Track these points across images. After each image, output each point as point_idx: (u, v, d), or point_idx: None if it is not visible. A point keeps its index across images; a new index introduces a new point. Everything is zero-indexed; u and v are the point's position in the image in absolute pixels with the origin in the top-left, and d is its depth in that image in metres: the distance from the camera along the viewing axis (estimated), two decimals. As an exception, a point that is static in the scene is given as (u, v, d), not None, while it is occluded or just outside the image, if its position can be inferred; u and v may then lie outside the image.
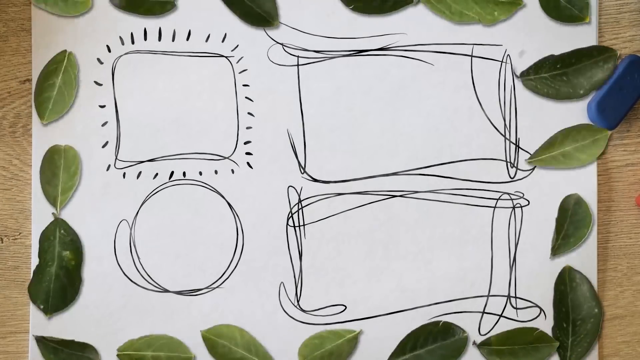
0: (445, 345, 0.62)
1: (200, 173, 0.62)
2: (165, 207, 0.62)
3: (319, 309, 0.62)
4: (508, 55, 0.62)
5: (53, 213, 0.61)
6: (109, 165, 0.62)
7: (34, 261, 0.62)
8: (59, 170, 0.61)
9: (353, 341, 0.62)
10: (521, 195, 0.63)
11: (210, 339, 0.62)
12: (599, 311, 0.62)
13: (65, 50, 0.61)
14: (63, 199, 0.61)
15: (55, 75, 0.61)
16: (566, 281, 0.62)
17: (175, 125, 0.62)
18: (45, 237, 0.61)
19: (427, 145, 0.62)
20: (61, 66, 0.61)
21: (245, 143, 0.62)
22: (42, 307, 0.61)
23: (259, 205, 0.62)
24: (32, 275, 0.62)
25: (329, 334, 0.62)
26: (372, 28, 0.62)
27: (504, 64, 0.62)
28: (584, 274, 0.62)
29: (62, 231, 0.61)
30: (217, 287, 0.62)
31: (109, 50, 0.62)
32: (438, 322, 0.62)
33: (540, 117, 0.62)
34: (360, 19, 0.62)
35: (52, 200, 0.61)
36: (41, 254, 0.61)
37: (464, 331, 0.62)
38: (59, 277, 0.61)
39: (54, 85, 0.61)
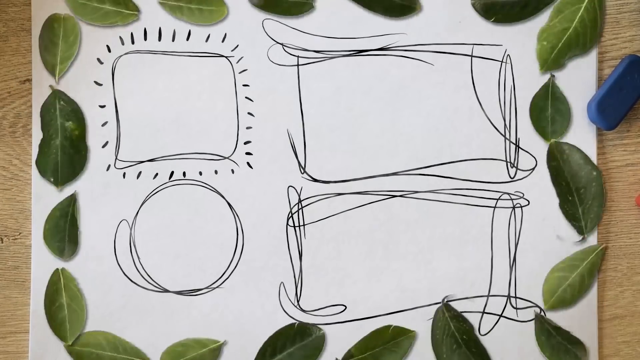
0: (304, 345, 0.62)
1: (200, 173, 0.62)
2: (165, 207, 0.62)
3: (319, 309, 0.62)
4: (508, 55, 0.62)
5: (51, 85, 0.61)
6: (109, 165, 0.62)
7: (36, 137, 0.62)
8: (58, 39, 0.61)
9: (216, 351, 0.62)
10: (521, 195, 0.63)
11: (77, 351, 0.62)
12: (597, 172, 0.62)
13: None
14: (62, 68, 0.61)
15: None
16: (556, 156, 0.62)
17: (175, 125, 0.62)
18: (46, 110, 0.61)
19: (427, 145, 0.62)
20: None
21: (245, 143, 0.62)
22: (51, 179, 0.61)
23: (259, 205, 0.62)
24: (37, 149, 0.61)
25: (194, 342, 0.62)
26: (372, 28, 0.62)
27: (504, 64, 0.62)
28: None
29: (61, 102, 0.61)
30: (217, 287, 0.62)
31: (109, 50, 0.62)
32: (293, 324, 0.62)
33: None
34: (360, 19, 0.62)
35: (50, 68, 0.61)
36: (44, 127, 0.62)
37: (320, 329, 0.62)
38: (64, 149, 0.61)
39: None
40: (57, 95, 0.61)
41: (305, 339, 0.62)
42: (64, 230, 0.61)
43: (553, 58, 0.61)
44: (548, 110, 0.62)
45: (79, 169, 0.62)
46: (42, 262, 0.62)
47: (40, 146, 0.62)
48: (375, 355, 0.62)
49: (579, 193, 0.62)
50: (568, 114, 0.62)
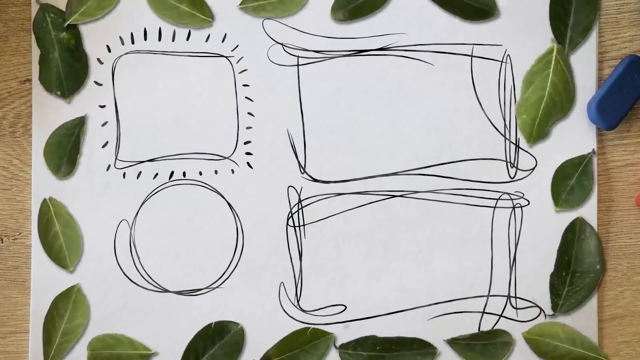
0: (224, 343, 0.62)
1: (200, 173, 0.62)
2: (165, 207, 0.62)
3: (319, 309, 0.63)
4: (508, 55, 0.62)
5: (37, 0, 0.61)
6: (109, 165, 0.62)
7: (35, 55, 0.62)
8: None
9: (145, 358, 0.62)
10: (521, 195, 0.63)
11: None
12: (600, 268, 0.62)
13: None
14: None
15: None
16: (576, 231, 0.62)
17: (175, 125, 0.62)
18: (39, 26, 0.61)
19: (427, 145, 0.62)
20: None
21: (245, 143, 0.62)
22: (58, 93, 0.61)
23: (259, 205, 0.62)
24: (38, 66, 0.61)
25: (127, 340, 0.62)
26: (372, 28, 0.62)
27: (504, 64, 0.62)
28: (593, 228, 0.62)
29: (52, 15, 0.61)
30: (217, 287, 0.62)
31: (109, 50, 0.62)
32: (210, 324, 0.62)
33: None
34: (360, 19, 0.62)
35: None
36: (40, 43, 0.61)
37: (237, 324, 0.62)
38: (65, 60, 0.61)
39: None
40: (45, 9, 0.61)
41: (225, 336, 0.62)
42: (65, 149, 0.61)
43: (537, 129, 0.62)
44: (572, 180, 0.62)
45: (83, 77, 0.61)
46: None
47: (40, 63, 0.61)
48: (292, 357, 0.62)
49: (574, 275, 0.62)
50: (589, 191, 0.62)
